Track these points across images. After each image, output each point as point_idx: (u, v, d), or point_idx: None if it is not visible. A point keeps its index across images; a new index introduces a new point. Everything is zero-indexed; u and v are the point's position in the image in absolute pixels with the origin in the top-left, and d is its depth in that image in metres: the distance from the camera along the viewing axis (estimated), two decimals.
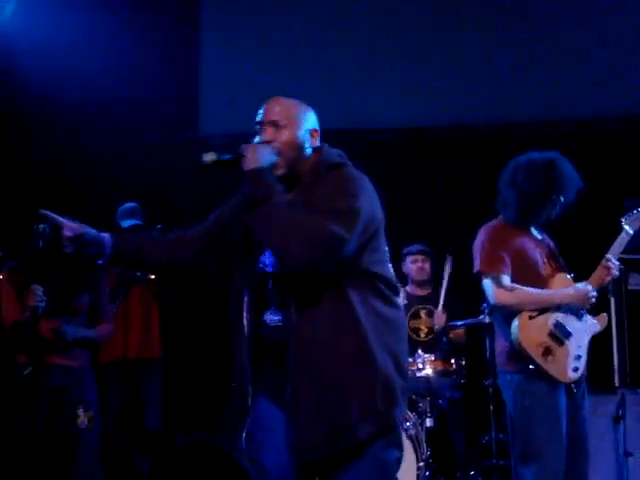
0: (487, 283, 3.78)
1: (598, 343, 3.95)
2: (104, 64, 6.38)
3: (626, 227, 3.95)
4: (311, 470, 2.48)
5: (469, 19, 6.60)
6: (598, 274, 3.87)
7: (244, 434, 2.59)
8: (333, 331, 2.44)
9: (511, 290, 3.73)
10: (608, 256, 3.87)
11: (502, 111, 6.41)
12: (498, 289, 3.73)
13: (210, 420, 5.59)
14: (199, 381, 6.16)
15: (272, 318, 2.59)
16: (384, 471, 2.49)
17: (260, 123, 2.63)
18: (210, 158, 2.55)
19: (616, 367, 5.33)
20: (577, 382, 3.75)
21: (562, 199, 3.81)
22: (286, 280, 2.53)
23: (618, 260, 3.91)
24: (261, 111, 2.65)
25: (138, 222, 5.36)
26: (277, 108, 2.63)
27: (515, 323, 3.73)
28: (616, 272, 3.87)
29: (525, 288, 3.74)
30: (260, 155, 2.52)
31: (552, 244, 4.00)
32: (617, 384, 5.26)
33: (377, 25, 6.69)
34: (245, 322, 2.59)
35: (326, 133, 2.71)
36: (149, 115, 6.50)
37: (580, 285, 3.83)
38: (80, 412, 4.12)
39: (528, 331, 3.72)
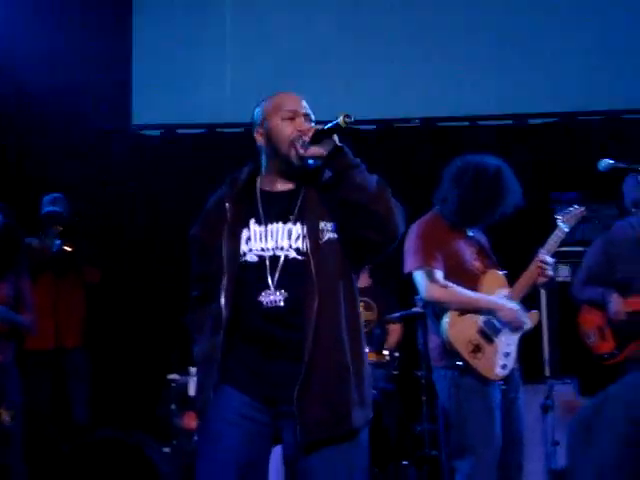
0: (419, 278, 3.77)
1: (529, 334, 3.96)
2: (32, 51, 6.22)
3: (561, 224, 3.95)
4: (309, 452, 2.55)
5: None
6: (530, 273, 3.86)
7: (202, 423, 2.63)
8: (345, 320, 2.61)
9: (444, 287, 3.73)
10: (542, 255, 3.85)
11: (433, 105, 6.42)
12: (431, 284, 3.73)
13: (142, 411, 5.56)
14: (130, 371, 6.10)
15: (271, 299, 2.58)
16: (366, 455, 2.70)
17: (294, 112, 2.67)
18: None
19: (547, 358, 5.41)
20: (507, 378, 3.77)
21: (500, 209, 3.80)
22: (315, 264, 2.56)
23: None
24: (288, 100, 2.70)
25: (56, 209, 5.42)
26: (304, 102, 2.71)
27: (445, 319, 3.74)
28: (550, 273, 3.85)
29: (457, 288, 3.75)
30: None
31: (483, 240, 3.99)
32: (548, 374, 5.34)
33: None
34: (223, 309, 2.59)
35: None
36: (81, 104, 6.37)
37: (515, 305, 3.81)
38: (2, 410, 4.03)
39: (458, 328, 3.74)
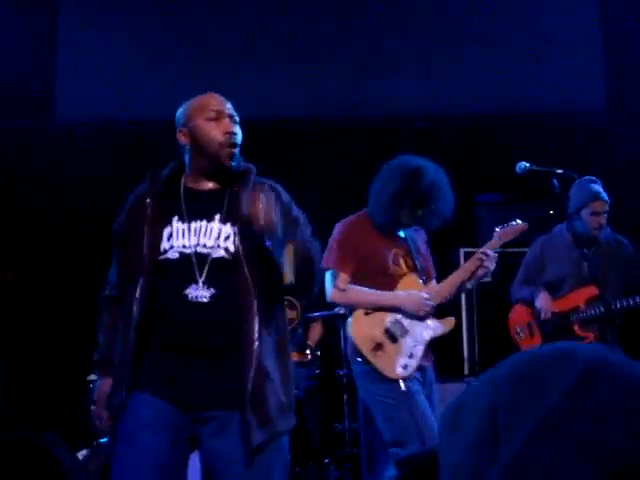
0: (327, 279, 3.83)
1: (449, 333, 4.02)
2: None
3: (496, 237, 3.99)
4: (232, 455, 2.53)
5: None
6: (464, 269, 3.92)
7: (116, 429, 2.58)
8: (275, 321, 2.62)
9: (343, 290, 3.78)
10: (484, 249, 3.90)
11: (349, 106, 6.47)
12: (333, 288, 3.80)
13: (60, 413, 5.46)
14: (48, 372, 5.99)
15: (198, 294, 2.55)
16: (286, 461, 2.68)
17: (218, 112, 2.67)
18: None
19: (466, 356, 5.52)
20: (422, 375, 3.80)
21: (433, 208, 3.81)
22: (247, 263, 2.56)
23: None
24: (213, 100, 2.70)
25: None
26: (230, 105, 2.71)
27: (350, 319, 3.84)
28: (489, 264, 3.87)
29: (358, 289, 3.79)
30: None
31: (417, 242, 3.99)
32: (466, 372, 5.44)
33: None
34: (135, 306, 2.55)
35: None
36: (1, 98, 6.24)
37: (415, 291, 3.84)
38: None
39: (360, 325, 3.80)
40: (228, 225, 2.61)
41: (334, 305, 3.93)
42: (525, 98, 6.43)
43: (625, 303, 4.31)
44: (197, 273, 2.56)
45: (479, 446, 0.89)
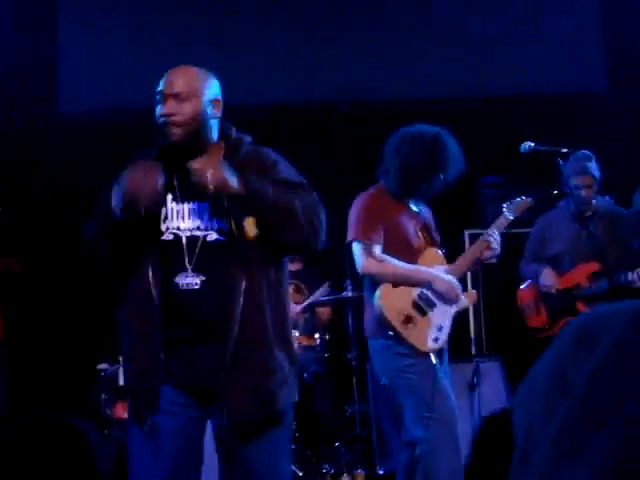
0: (357, 251, 3.78)
1: (456, 313, 4.06)
2: None
3: (506, 212, 4.02)
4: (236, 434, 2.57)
5: None
6: (475, 249, 3.93)
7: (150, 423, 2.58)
8: (271, 302, 2.61)
9: (380, 261, 3.74)
10: (490, 231, 3.90)
11: (364, 90, 6.48)
12: (367, 258, 3.74)
13: (71, 402, 5.49)
14: (59, 361, 6.01)
15: (188, 282, 2.56)
16: (290, 436, 2.83)
17: (161, 94, 2.64)
18: None
19: (472, 337, 5.55)
20: (439, 351, 3.81)
21: (442, 177, 3.81)
22: (239, 245, 2.54)
23: None
24: (164, 80, 2.66)
25: None
26: (180, 80, 2.64)
27: (378, 291, 3.75)
28: (497, 247, 3.88)
29: (394, 261, 3.76)
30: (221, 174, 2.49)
31: (429, 218, 4.01)
32: (473, 352, 5.48)
33: None
34: (154, 292, 2.55)
35: None
36: (3, 88, 6.24)
37: (452, 278, 3.83)
38: None
39: (390, 298, 3.75)
40: (219, 204, 2.59)
41: (364, 276, 3.88)
42: (527, 80, 6.44)
43: (631, 277, 4.34)
44: (187, 258, 2.57)
45: (548, 401, 0.92)
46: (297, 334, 5.18)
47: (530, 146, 3.86)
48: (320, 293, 5.36)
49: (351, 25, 6.53)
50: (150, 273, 2.56)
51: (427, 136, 3.81)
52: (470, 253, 3.96)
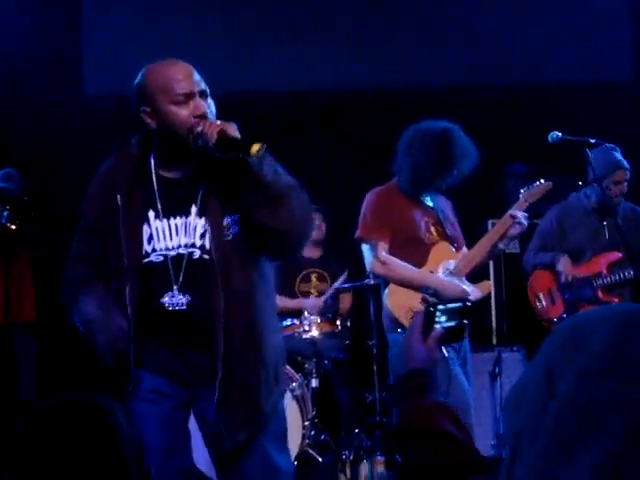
0: (365, 250, 3.87)
1: (478, 304, 4.04)
2: None
3: (524, 195, 3.98)
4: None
5: None
6: (495, 231, 3.88)
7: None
8: (259, 315, 2.57)
9: (384, 263, 3.80)
10: (511, 212, 3.86)
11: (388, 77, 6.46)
12: (373, 259, 3.82)
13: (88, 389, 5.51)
14: (76, 348, 6.03)
15: (174, 301, 2.51)
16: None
17: (188, 94, 2.45)
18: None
19: (494, 327, 5.54)
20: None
21: (455, 171, 3.83)
22: (219, 263, 2.47)
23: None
24: (180, 80, 2.47)
25: (6, 186, 5.26)
26: (197, 77, 2.50)
27: (387, 290, 3.85)
28: (524, 222, 3.81)
29: (399, 264, 3.80)
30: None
31: (446, 211, 4.02)
32: (495, 343, 5.47)
33: None
34: (129, 310, 2.49)
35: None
36: (29, 74, 6.26)
37: (457, 280, 3.85)
38: None
39: (398, 295, 3.82)
40: (203, 219, 2.50)
41: (369, 276, 3.94)
42: (552, 68, 6.39)
43: None
44: (173, 278, 2.50)
45: (537, 403, 0.93)
46: (318, 320, 5.18)
47: (558, 136, 3.83)
48: (341, 280, 5.36)
49: (379, 9, 6.51)
50: (127, 293, 2.50)
51: (435, 133, 3.83)
52: (483, 241, 3.91)
